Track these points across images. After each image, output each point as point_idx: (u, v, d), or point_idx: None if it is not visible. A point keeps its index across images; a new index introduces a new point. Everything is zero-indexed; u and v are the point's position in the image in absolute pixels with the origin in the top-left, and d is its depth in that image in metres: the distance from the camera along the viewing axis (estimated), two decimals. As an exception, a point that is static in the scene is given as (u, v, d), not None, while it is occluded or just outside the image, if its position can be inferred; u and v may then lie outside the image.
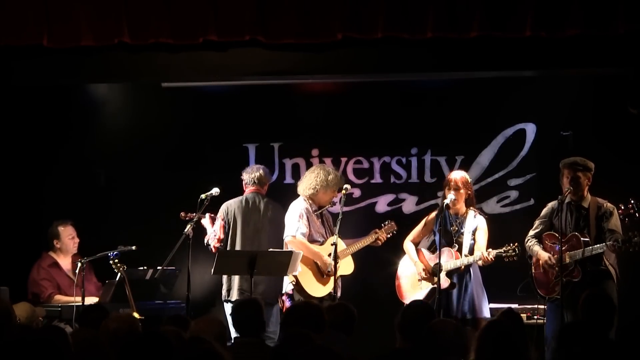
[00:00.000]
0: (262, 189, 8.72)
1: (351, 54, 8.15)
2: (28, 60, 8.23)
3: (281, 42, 8.03)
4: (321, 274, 8.26)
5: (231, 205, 8.60)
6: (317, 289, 8.21)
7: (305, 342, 4.53)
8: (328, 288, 8.20)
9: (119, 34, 8.00)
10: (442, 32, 7.89)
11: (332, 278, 8.15)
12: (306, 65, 8.29)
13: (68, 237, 8.84)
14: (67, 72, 8.39)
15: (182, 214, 8.28)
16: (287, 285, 8.28)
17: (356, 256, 8.56)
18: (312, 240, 8.31)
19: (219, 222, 8.53)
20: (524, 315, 8.26)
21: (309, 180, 8.40)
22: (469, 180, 8.19)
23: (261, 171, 8.73)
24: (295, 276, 8.17)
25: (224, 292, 8.53)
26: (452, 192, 8.03)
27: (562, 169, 7.88)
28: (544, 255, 7.85)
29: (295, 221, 8.28)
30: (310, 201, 8.39)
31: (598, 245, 7.59)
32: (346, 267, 8.29)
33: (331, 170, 8.47)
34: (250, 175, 8.70)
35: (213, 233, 8.49)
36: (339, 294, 8.20)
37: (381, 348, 5.64)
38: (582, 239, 7.66)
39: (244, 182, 8.73)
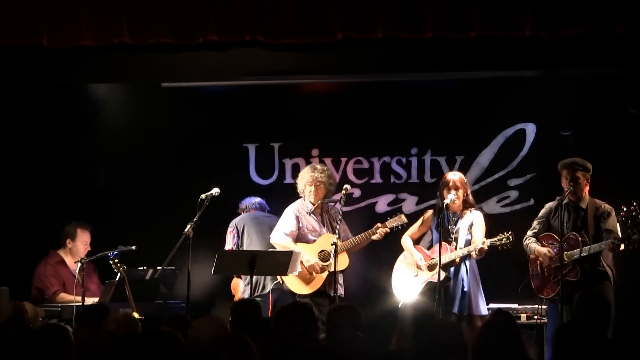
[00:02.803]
0: (265, 211, 8.95)
1: (351, 54, 8.14)
2: (28, 60, 8.23)
3: (281, 42, 8.03)
4: (309, 272, 8.26)
5: (241, 220, 8.80)
6: (301, 288, 8.23)
7: (308, 341, 4.53)
8: (314, 286, 8.21)
9: (119, 34, 8.00)
10: (442, 32, 7.88)
11: (319, 276, 8.21)
12: (306, 65, 8.28)
13: (82, 242, 8.83)
14: (67, 72, 8.38)
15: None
16: (272, 282, 8.36)
17: (358, 255, 8.56)
18: (305, 239, 8.34)
19: (230, 237, 8.75)
20: (524, 315, 8.29)
21: (298, 179, 8.50)
22: (466, 181, 8.22)
23: (258, 199, 9.01)
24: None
25: (249, 289, 8.46)
26: (452, 191, 8.05)
27: (561, 169, 7.88)
28: (542, 250, 7.85)
29: (282, 221, 8.37)
30: (306, 200, 8.41)
31: (596, 244, 7.60)
32: (340, 262, 8.22)
33: (309, 169, 8.48)
34: (250, 202, 8.98)
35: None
36: (340, 291, 8.22)
37: (381, 348, 5.64)
38: (580, 238, 7.67)
39: (241, 209, 8.96)
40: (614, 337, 6.95)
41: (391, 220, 8.36)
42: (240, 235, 8.72)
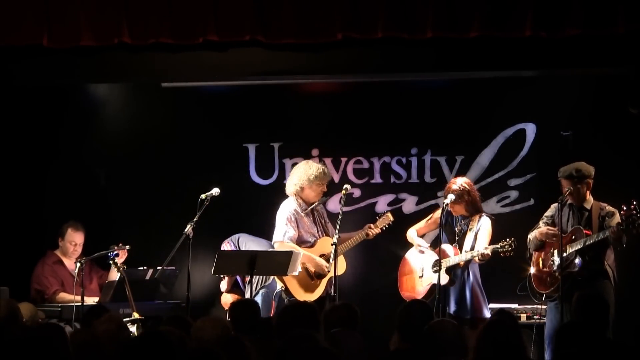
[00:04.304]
0: None
1: (351, 54, 8.15)
2: (28, 60, 8.24)
3: (281, 42, 8.03)
4: (310, 277, 8.23)
5: (235, 235, 8.80)
6: (306, 295, 8.14)
7: (309, 342, 4.53)
8: (318, 292, 8.18)
9: (119, 34, 8.00)
10: (442, 32, 7.89)
11: (322, 281, 8.17)
12: (306, 65, 8.29)
13: (70, 242, 8.78)
14: (67, 72, 8.39)
15: None
16: (277, 287, 8.31)
17: (356, 255, 8.55)
18: (301, 241, 8.29)
19: (227, 246, 8.74)
20: (524, 315, 8.28)
21: (292, 177, 8.41)
22: (468, 189, 8.15)
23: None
24: (283, 281, 8.17)
25: (250, 288, 8.46)
26: (448, 196, 8.05)
27: (560, 179, 7.87)
28: (543, 229, 7.83)
29: (283, 225, 8.26)
30: (299, 199, 8.37)
31: (600, 232, 7.58)
32: (339, 267, 8.21)
33: (314, 165, 8.43)
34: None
35: None
36: (331, 292, 8.21)
37: (381, 348, 5.64)
38: (584, 232, 7.67)
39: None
40: (614, 337, 6.94)
41: (380, 220, 8.37)
42: (237, 246, 8.71)
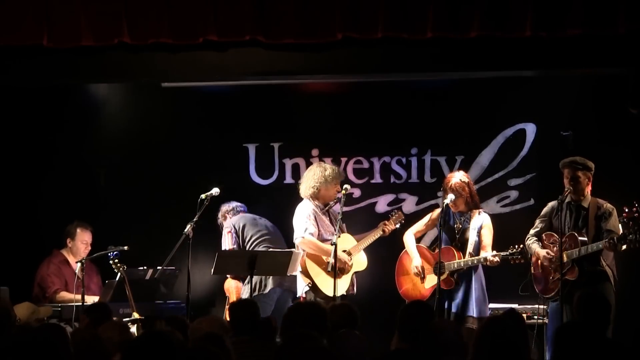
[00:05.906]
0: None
1: (351, 54, 8.15)
2: (28, 60, 8.24)
3: (281, 42, 8.04)
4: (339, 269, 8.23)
5: (239, 220, 8.71)
6: (331, 290, 8.09)
7: (309, 342, 4.53)
8: (344, 286, 8.18)
9: (119, 34, 8.01)
10: (442, 32, 7.90)
11: (346, 275, 8.19)
12: (306, 65, 8.29)
13: (82, 241, 8.83)
14: (67, 72, 8.39)
15: None
16: (304, 288, 8.25)
17: (367, 254, 8.56)
18: (322, 239, 8.29)
19: (229, 237, 8.66)
20: (524, 315, 8.27)
21: (308, 180, 8.40)
22: (467, 182, 8.15)
23: (238, 202, 8.93)
24: (310, 277, 8.16)
25: (248, 289, 8.44)
26: (449, 194, 8.05)
27: (562, 169, 7.88)
28: (541, 252, 7.85)
29: (303, 222, 8.26)
30: (315, 201, 8.38)
31: (594, 244, 7.59)
32: (360, 263, 8.29)
33: (328, 166, 8.48)
34: (232, 205, 8.89)
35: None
36: (354, 291, 8.22)
37: (381, 348, 5.63)
38: (579, 238, 7.66)
39: (226, 212, 8.84)
40: (614, 337, 6.94)
41: (394, 217, 8.41)
42: (239, 235, 8.68)
